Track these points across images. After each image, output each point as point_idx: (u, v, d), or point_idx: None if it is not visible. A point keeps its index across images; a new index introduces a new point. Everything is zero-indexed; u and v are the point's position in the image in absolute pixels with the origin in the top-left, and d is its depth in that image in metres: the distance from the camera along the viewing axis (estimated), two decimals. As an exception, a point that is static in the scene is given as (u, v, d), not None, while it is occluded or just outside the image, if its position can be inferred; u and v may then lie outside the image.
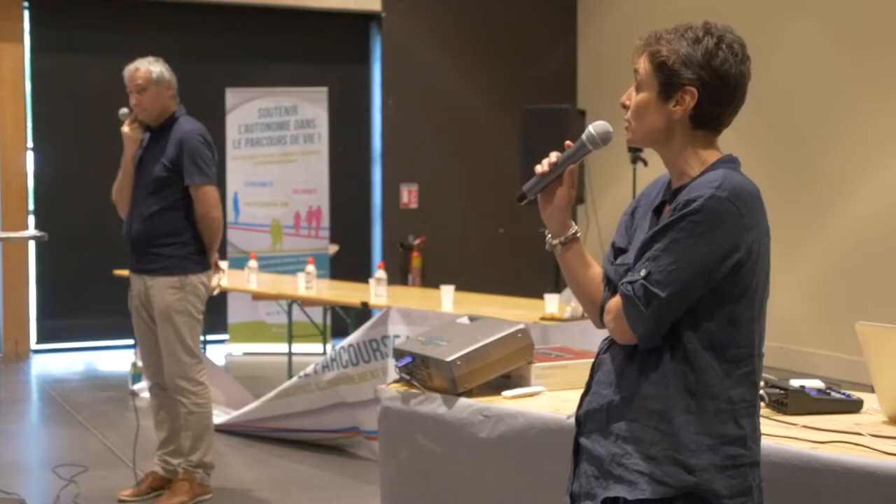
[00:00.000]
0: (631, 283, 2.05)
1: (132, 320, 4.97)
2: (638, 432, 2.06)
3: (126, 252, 4.91)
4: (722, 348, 2.05)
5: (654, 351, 2.07)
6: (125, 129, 4.82)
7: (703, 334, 2.04)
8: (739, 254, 2.02)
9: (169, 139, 4.80)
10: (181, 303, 4.80)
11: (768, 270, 2.12)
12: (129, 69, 4.83)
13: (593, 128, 2.22)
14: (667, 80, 2.08)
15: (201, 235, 4.85)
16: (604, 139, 2.21)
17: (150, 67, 4.80)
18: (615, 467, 2.08)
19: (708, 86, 2.07)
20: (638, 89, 2.13)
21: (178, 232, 4.80)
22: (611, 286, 2.18)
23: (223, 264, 7.10)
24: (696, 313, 2.04)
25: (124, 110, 4.85)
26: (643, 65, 2.11)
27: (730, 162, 2.12)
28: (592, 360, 2.25)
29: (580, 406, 2.22)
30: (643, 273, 2.04)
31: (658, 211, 2.18)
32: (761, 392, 2.77)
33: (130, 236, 4.85)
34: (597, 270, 2.25)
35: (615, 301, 2.10)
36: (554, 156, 2.23)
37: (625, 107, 2.16)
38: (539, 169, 2.23)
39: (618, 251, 2.23)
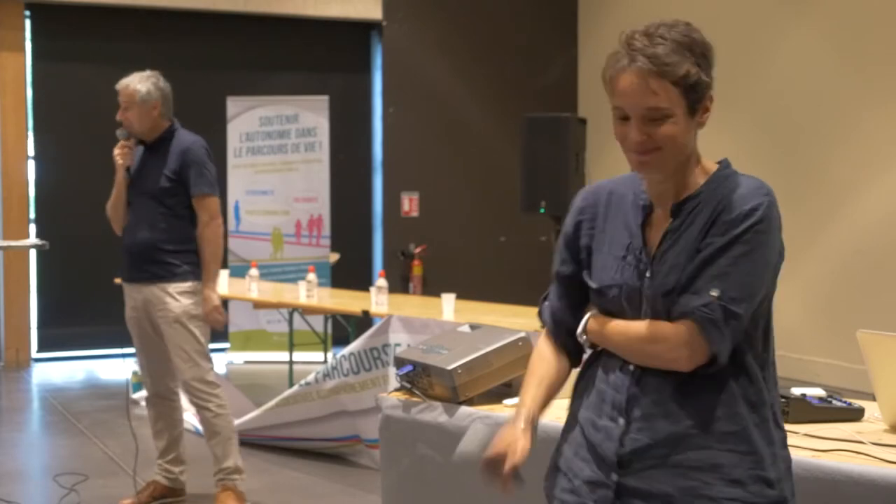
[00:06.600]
0: (703, 305, 1.91)
1: (131, 331, 4.97)
2: (714, 458, 1.94)
3: (125, 263, 4.91)
4: (759, 353, 2.01)
5: (709, 373, 1.95)
6: (116, 153, 4.81)
7: (749, 343, 1.98)
8: (783, 258, 2.02)
9: (170, 151, 4.81)
10: (196, 308, 4.81)
11: None
12: (121, 84, 4.82)
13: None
14: (697, 94, 1.92)
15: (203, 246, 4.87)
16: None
17: (137, 87, 4.75)
18: (693, 500, 1.94)
19: (714, 80, 1.97)
20: (663, 119, 1.91)
21: (186, 240, 4.82)
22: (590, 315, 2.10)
23: (223, 273, 7.11)
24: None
25: (122, 131, 4.85)
26: (665, 92, 1.89)
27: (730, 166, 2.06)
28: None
29: (620, 445, 2.00)
30: (715, 294, 1.91)
31: (644, 225, 2.03)
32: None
33: (134, 246, 4.82)
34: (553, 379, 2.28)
35: (671, 328, 1.95)
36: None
37: (640, 145, 1.94)
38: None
39: (569, 276, 2.13)
